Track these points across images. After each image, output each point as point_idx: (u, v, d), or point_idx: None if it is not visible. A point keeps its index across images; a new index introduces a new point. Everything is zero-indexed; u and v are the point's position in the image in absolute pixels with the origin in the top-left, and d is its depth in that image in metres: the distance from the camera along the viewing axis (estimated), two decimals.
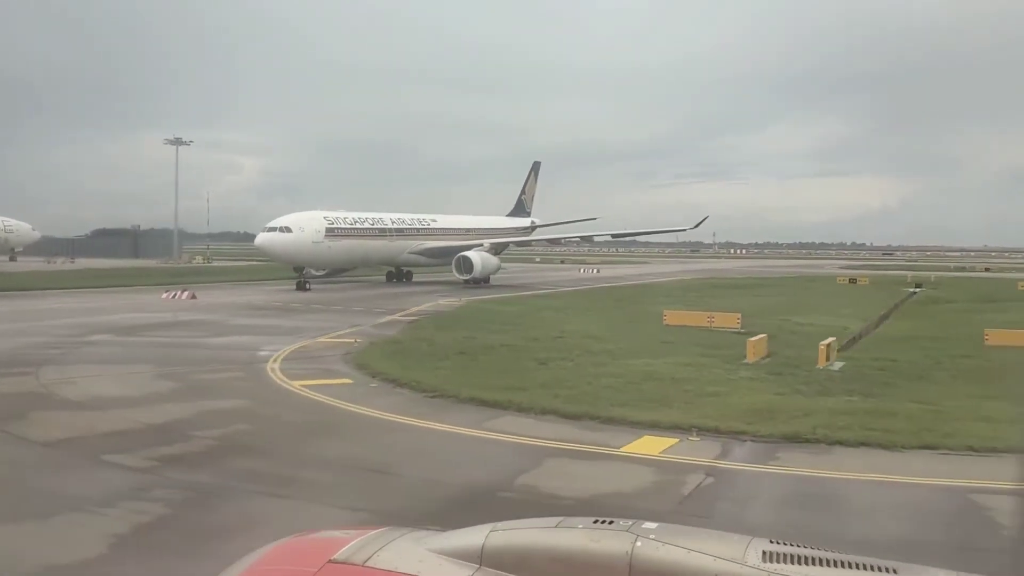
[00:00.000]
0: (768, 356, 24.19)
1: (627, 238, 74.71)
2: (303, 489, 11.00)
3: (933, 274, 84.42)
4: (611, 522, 3.27)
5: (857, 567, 2.94)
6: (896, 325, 37.22)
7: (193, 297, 41.76)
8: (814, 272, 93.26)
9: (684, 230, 63.11)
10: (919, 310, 45.65)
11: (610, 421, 15.24)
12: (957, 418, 15.50)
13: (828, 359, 22.56)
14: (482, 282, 56.48)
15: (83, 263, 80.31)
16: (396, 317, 35.42)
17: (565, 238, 68.77)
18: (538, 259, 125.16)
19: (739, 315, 33.12)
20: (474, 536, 3.35)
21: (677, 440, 13.93)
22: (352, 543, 3.42)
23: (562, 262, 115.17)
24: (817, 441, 13.85)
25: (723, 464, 12.60)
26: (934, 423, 15.00)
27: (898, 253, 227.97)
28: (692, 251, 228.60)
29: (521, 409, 16.29)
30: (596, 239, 70.19)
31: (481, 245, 57.19)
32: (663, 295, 49.90)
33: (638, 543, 3.06)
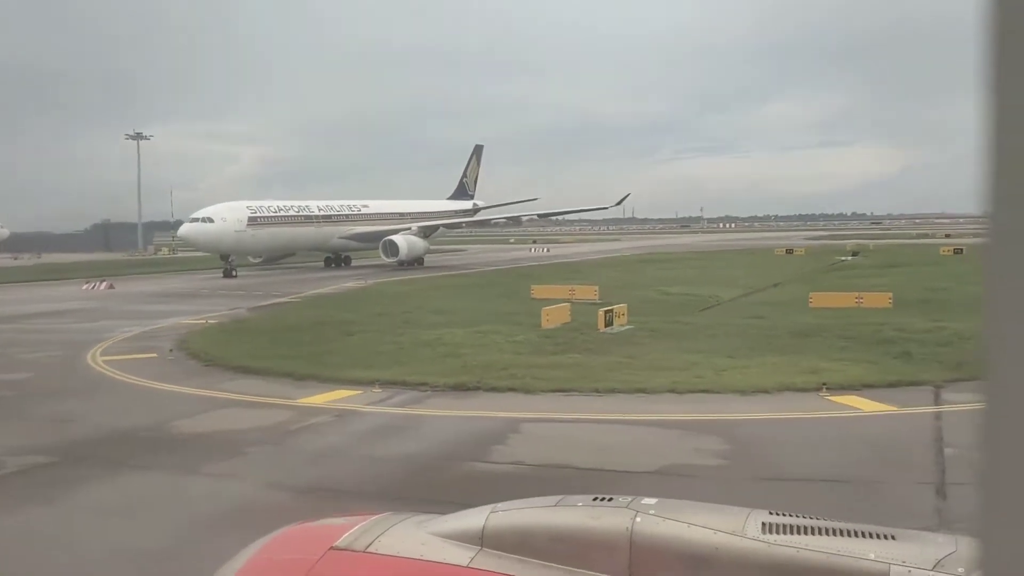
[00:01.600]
0: (568, 322, 26.45)
1: (555, 217, 76.76)
2: None
3: (874, 242, 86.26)
4: (610, 499, 3.40)
5: (856, 535, 3.04)
6: (770, 293, 39.29)
7: (111, 287, 44.37)
8: (775, 244, 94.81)
9: (607, 208, 65.37)
10: (816, 277, 47.46)
11: (328, 380, 17.62)
12: (636, 369, 17.76)
13: (609, 324, 24.83)
14: (415, 263, 58.71)
15: (50, 258, 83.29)
16: (284, 300, 37.80)
17: (493, 220, 71.20)
18: (512, 240, 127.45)
19: (596, 288, 35.33)
20: (475, 518, 3.48)
21: (360, 392, 16.30)
22: (353, 529, 3.56)
23: (534, 242, 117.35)
24: (477, 389, 16.22)
25: (365, 408, 15.03)
26: (601, 373, 17.29)
27: (887, 222, 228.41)
28: (682, 226, 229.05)
29: (267, 373, 18.69)
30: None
31: (409, 229, 59.50)
32: (572, 272, 51.88)
33: (638, 519, 3.16)
